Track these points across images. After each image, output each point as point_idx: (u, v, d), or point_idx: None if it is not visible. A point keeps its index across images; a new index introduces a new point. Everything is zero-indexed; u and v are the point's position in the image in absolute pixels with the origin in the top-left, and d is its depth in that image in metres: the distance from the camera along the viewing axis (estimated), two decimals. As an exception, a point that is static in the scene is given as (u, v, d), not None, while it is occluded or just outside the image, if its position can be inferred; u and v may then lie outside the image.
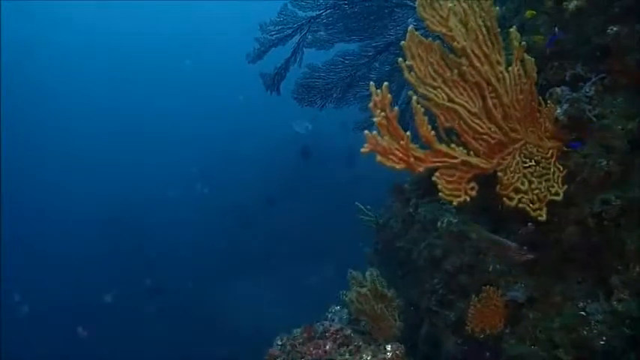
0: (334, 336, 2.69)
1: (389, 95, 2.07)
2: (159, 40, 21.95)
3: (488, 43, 2.26)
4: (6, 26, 18.74)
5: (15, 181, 17.18)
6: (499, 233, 2.65)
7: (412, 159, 2.08)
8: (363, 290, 2.82)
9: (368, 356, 2.67)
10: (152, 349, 11.61)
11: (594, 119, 2.31)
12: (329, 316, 3.32)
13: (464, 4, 2.24)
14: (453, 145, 2.19)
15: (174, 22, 22.22)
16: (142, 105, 20.78)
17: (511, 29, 2.28)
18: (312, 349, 2.62)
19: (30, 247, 15.78)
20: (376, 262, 4.33)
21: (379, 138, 2.03)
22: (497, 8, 2.29)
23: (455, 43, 2.20)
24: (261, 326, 9.77)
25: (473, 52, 2.22)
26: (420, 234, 3.44)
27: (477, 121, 2.24)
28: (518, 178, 2.25)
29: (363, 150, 2.03)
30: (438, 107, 2.23)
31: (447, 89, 2.23)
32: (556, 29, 2.57)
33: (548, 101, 2.40)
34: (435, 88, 2.23)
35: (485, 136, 2.24)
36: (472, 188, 2.16)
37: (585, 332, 2.23)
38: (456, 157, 2.16)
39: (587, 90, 2.38)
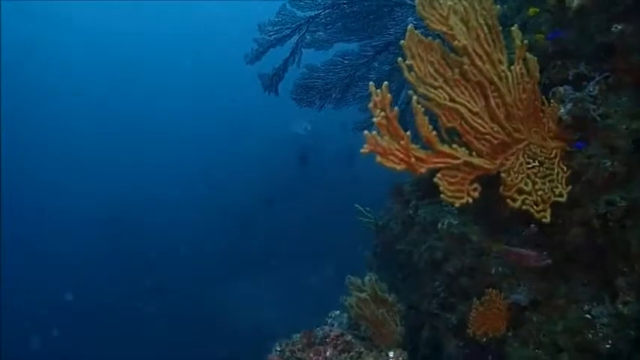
0: (335, 342, 2.61)
1: (389, 95, 2.00)
2: (159, 40, 21.88)
3: (490, 42, 2.20)
4: (6, 26, 18.64)
5: (15, 181, 17.11)
6: (501, 235, 2.59)
7: (413, 159, 2.01)
8: (363, 295, 2.75)
9: (370, 363, 2.60)
10: (152, 349, 11.55)
11: (598, 119, 2.25)
12: (329, 321, 3.25)
13: (464, 3, 2.17)
14: (454, 146, 2.12)
15: (175, 22, 22.14)
16: (142, 105, 20.70)
17: (513, 27, 2.21)
18: (312, 355, 2.55)
19: (30, 247, 15.71)
20: (376, 265, 4.27)
21: (379, 138, 1.96)
22: (499, 6, 2.22)
23: (456, 42, 2.13)
24: (261, 326, 9.76)
25: (474, 50, 2.16)
26: (421, 236, 3.37)
27: (480, 120, 2.17)
28: (522, 178, 2.18)
29: (362, 150, 1.96)
30: (439, 107, 2.17)
31: (448, 89, 2.17)
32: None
33: (552, 101, 2.33)
34: (435, 87, 2.16)
35: (487, 137, 2.17)
36: (475, 189, 2.10)
37: (590, 335, 2.18)
38: (458, 158, 2.10)
39: (591, 89, 2.32)
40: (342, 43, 4.49)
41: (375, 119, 1.98)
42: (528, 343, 2.37)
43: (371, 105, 2.00)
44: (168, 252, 14.67)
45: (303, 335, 2.68)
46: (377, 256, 4.37)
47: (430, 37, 2.22)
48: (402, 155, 2.01)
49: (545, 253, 2.32)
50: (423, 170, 2.05)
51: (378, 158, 1.98)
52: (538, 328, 2.36)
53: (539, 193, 2.20)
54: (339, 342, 2.61)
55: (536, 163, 2.22)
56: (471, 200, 2.08)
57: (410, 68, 2.13)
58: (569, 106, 2.31)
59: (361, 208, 4.37)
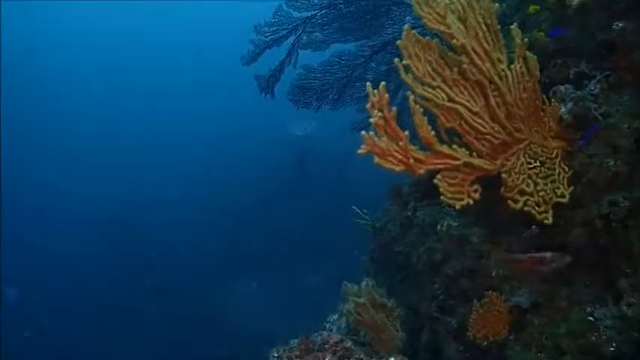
0: (333, 348, 2.53)
1: (386, 95, 1.93)
2: (159, 40, 21.74)
3: (489, 40, 2.13)
4: (6, 26, 18.53)
5: (15, 181, 17.02)
6: (501, 237, 2.52)
7: (412, 160, 1.94)
8: (361, 300, 2.67)
9: (371, 370, 2.53)
10: (152, 349, 11.48)
11: (600, 118, 2.18)
12: (327, 325, 3.17)
13: (462, 1, 2.10)
14: (454, 146, 2.05)
15: (175, 23, 22.01)
16: (142, 105, 20.59)
17: (512, 26, 2.14)
18: (310, 362, 2.47)
19: (30, 247, 15.62)
20: (373, 268, 4.20)
21: (376, 139, 1.89)
22: (497, 5, 2.15)
23: (454, 41, 2.06)
24: (261, 326, 9.68)
25: (473, 49, 2.09)
26: (419, 238, 3.29)
27: (480, 120, 2.10)
28: (524, 179, 2.11)
29: (360, 151, 1.88)
30: (438, 107, 2.09)
31: (446, 88, 2.10)
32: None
33: (552, 100, 2.26)
34: (434, 87, 2.09)
35: (488, 137, 2.10)
36: (475, 191, 2.02)
37: (594, 338, 2.12)
38: (458, 159, 2.03)
39: (592, 88, 2.25)
40: (339, 43, 4.42)
41: (372, 119, 1.90)
42: (530, 346, 2.30)
43: (368, 105, 1.93)
44: (168, 252, 14.58)
45: (301, 341, 2.60)
46: (374, 258, 4.29)
47: (428, 37, 2.15)
48: (400, 156, 1.93)
49: (554, 253, 2.23)
50: (421, 171, 1.98)
51: (376, 159, 1.90)
52: (540, 331, 2.29)
53: (541, 193, 2.13)
54: (338, 348, 2.53)
55: (538, 164, 2.15)
56: (471, 202, 2.00)
57: (407, 69, 2.05)
58: (570, 105, 2.25)
59: (358, 210, 4.30)
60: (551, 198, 2.14)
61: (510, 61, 2.16)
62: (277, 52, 4.53)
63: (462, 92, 2.11)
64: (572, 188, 2.18)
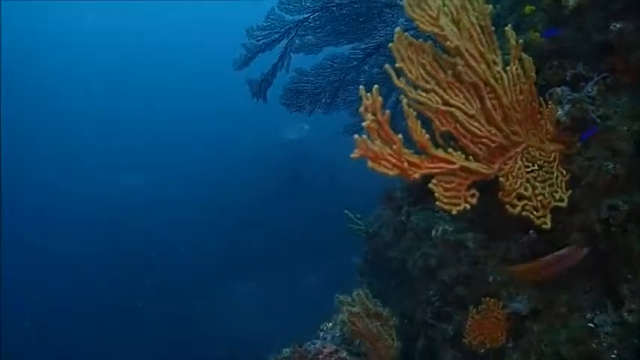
0: (328, 358, 2.42)
1: (379, 98, 1.83)
2: (159, 40, 21.58)
3: (484, 42, 2.03)
4: (6, 26, 18.39)
5: (15, 181, 16.87)
6: (498, 242, 2.42)
7: (406, 165, 1.83)
8: (355, 309, 2.56)
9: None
10: (152, 349, 11.38)
11: (598, 120, 2.08)
12: (321, 334, 3.04)
13: (456, 2, 2.00)
14: (450, 150, 1.94)
15: (175, 23, 21.84)
16: (142, 105, 20.41)
17: (507, 27, 2.05)
18: (304, 372, 2.36)
19: (30, 247, 15.49)
20: (367, 274, 4.09)
21: (369, 143, 1.78)
22: (491, 6, 2.05)
23: (448, 43, 1.96)
24: (261, 326, 9.62)
25: (467, 51, 1.99)
26: (414, 243, 3.19)
27: (476, 123, 2.00)
28: (521, 183, 2.01)
29: (353, 155, 1.78)
30: (432, 111, 1.99)
31: (441, 91, 1.99)
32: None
33: (549, 102, 2.16)
34: (428, 91, 1.98)
35: (484, 140, 2.00)
36: (472, 195, 1.92)
37: (594, 345, 2.02)
38: (453, 163, 1.92)
39: (590, 90, 2.16)
40: (332, 46, 4.33)
41: (364, 123, 1.80)
42: (529, 353, 2.20)
43: (362, 109, 1.82)
44: (168, 252, 14.45)
45: (294, 350, 2.48)
46: (368, 264, 4.18)
47: (421, 39, 2.05)
48: (394, 160, 1.83)
49: (568, 248, 2.09)
50: (416, 176, 1.87)
51: (370, 163, 1.80)
52: (539, 338, 2.19)
53: (539, 198, 2.03)
54: (332, 359, 2.41)
55: (536, 167, 2.05)
56: (468, 207, 1.90)
57: (399, 73, 1.95)
58: (567, 107, 2.15)
59: (351, 215, 4.18)
60: (549, 202, 2.04)
61: (505, 63, 2.07)
62: (270, 55, 4.42)
63: (456, 95, 2.01)
64: (570, 192, 2.08)
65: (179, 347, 11.52)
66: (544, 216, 2.02)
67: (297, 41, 4.30)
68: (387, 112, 1.85)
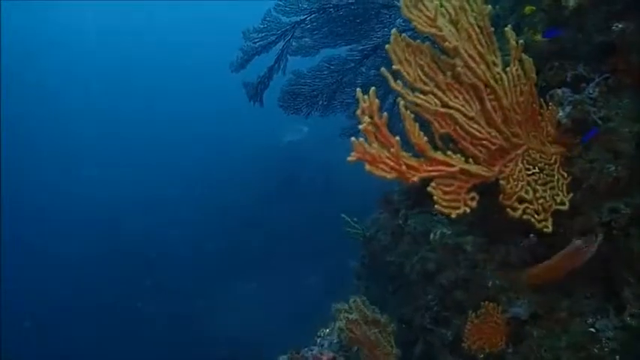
0: (326, 365, 2.37)
1: (376, 101, 1.79)
2: (160, 40, 21.48)
3: (483, 43, 1.98)
4: (6, 26, 18.31)
5: (15, 181, 16.78)
6: (497, 245, 2.37)
7: (404, 168, 1.79)
8: (353, 316, 2.50)
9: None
10: (151, 348, 11.30)
11: (599, 122, 2.04)
12: (318, 340, 2.98)
13: (454, 2, 1.95)
14: (449, 153, 1.89)
15: (176, 23, 21.73)
16: (143, 105, 20.30)
17: (506, 28, 2.00)
18: (301, 380, 2.30)
19: (30, 247, 15.41)
20: (364, 278, 4.03)
21: (367, 145, 1.73)
22: (490, 7, 2.00)
23: (446, 44, 1.91)
24: (260, 326, 9.58)
25: (466, 52, 1.94)
26: (412, 247, 3.12)
27: (476, 126, 1.95)
28: (522, 186, 1.96)
29: (349, 159, 1.73)
30: (431, 113, 1.94)
31: (440, 93, 1.95)
32: None
33: (550, 104, 2.11)
34: (426, 93, 1.94)
35: (484, 142, 1.95)
36: (472, 199, 1.87)
37: (596, 350, 1.98)
38: (453, 166, 1.87)
39: (591, 91, 2.10)
40: (329, 48, 4.27)
41: (361, 126, 1.75)
42: (529, 359, 2.15)
43: (359, 112, 1.78)
44: (169, 252, 14.36)
45: (291, 357, 2.43)
46: (365, 268, 4.12)
47: (419, 40, 2.00)
48: (392, 163, 1.78)
49: (584, 238, 2.02)
50: (415, 179, 1.82)
51: (367, 166, 1.75)
52: (539, 343, 2.14)
53: (540, 201, 1.98)
54: (330, 366, 2.37)
55: (536, 170, 2.00)
56: (468, 210, 1.85)
57: (396, 76, 1.90)
58: (568, 109, 2.10)
59: (348, 219, 4.13)
60: (550, 205, 1.99)
61: (505, 65, 2.02)
62: (267, 58, 4.37)
63: (456, 97, 1.97)
64: (571, 195, 2.03)
65: (179, 347, 11.44)
66: (545, 219, 1.98)
67: (293, 43, 4.25)
68: (385, 114, 1.80)
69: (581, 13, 2.19)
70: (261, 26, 4.22)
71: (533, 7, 2.31)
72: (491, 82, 1.96)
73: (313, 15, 4.13)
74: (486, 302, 2.32)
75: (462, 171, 1.88)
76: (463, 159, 1.90)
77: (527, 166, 2.00)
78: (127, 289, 13.08)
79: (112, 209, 15.95)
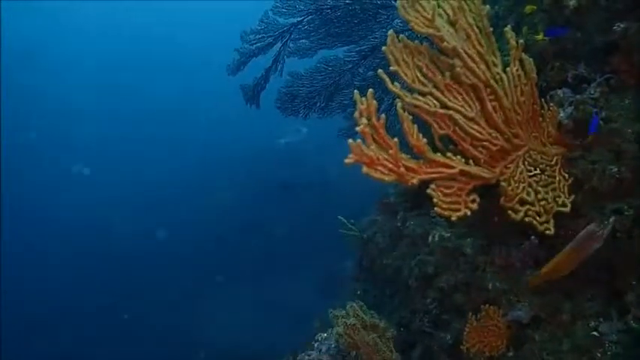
0: (324, 371, 2.32)
1: (374, 102, 1.74)
2: (161, 40, 21.39)
3: (482, 42, 1.94)
4: (6, 26, 18.25)
5: (15, 181, 16.72)
6: (497, 248, 2.32)
7: (403, 170, 1.74)
8: (351, 321, 2.45)
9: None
10: (149, 350, 11.24)
11: (602, 122, 1.99)
12: (315, 345, 2.93)
13: (452, 2, 1.91)
14: (449, 154, 1.85)
15: (179, 23, 21.61)
16: (143, 105, 20.22)
17: (506, 28, 1.96)
18: (299, 387, 2.25)
19: (30, 247, 15.36)
20: (361, 282, 3.97)
21: (364, 147, 1.68)
22: (488, 7, 1.96)
23: (445, 44, 1.87)
24: (257, 330, 9.53)
25: (465, 52, 1.89)
26: (410, 249, 3.07)
27: (476, 126, 1.90)
28: (524, 188, 1.91)
29: (347, 161, 1.68)
30: (430, 114, 1.89)
31: (439, 94, 1.90)
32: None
33: (551, 104, 2.07)
34: (425, 94, 1.89)
35: (485, 143, 1.90)
36: (473, 201, 1.82)
37: (599, 354, 1.93)
38: (453, 167, 1.82)
39: (592, 92, 2.07)
40: (327, 49, 4.23)
41: (358, 128, 1.70)
42: (531, 363, 2.10)
43: (356, 114, 1.73)
44: (164, 253, 14.32)
45: (288, 362, 2.39)
46: (362, 270, 4.06)
47: (417, 41, 1.96)
48: (390, 165, 1.73)
49: (595, 222, 1.93)
50: (414, 181, 1.78)
51: (365, 169, 1.69)
52: (541, 347, 2.09)
53: (542, 203, 1.93)
54: (328, 371, 2.31)
55: (538, 171, 1.96)
56: (469, 213, 1.80)
57: (393, 77, 1.86)
58: (569, 109, 2.07)
59: (345, 221, 4.07)
60: (552, 207, 1.94)
61: (505, 65, 1.98)
62: (264, 60, 4.33)
63: (455, 97, 1.92)
64: (573, 197, 1.98)
65: (176, 350, 11.36)
66: (547, 222, 1.93)
67: (291, 45, 4.21)
68: (382, 116, 1.76)
69: (582, 12, 2.16)
70: (259, 28, 4.18)
71: (534, 7, 2.27)
72: (492, 82, 1.92)
73: (310, 16, 4.08)
74: (487, 305, 2.27)
75: (463, 172, 1.84)
76: (463, 160, 1.86)
77: (529, 168, 1.95)
78: (127, 290, 13.04)
79: (109, 210, 15.91)
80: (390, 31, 1.89)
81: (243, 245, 13.11)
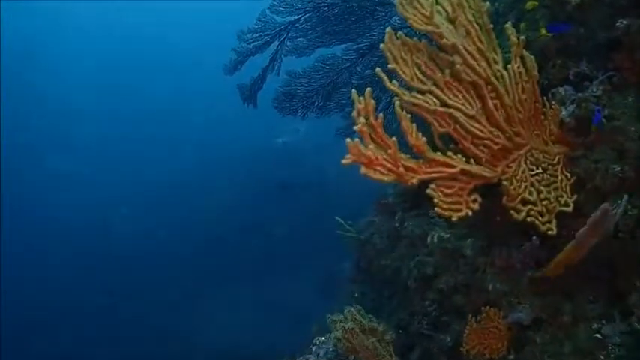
0: (322, 376, 2.27)
1: (372, 101, 1.70)
2: (161, 40, 21.32)
3: (482, 39, 1.89)
4: (6, 26, 18.20)
5: (15, 182, 16.68)
6: (498, 248, 2.27)
7: (402, 170, 1.69)
8: (349, 325, 2.40)
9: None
10: (147, 350, 11.20)
11: (604, 121, 1.94)
12: (313, 348, 2.88)
13: (451, -1, 1.87)
14: (449, 154, 1.80)
15: (178, 23, 21.57)
16: (143, 105, 20.17)
17: (506, 25, 1.91)
18: (297, 392, 2.20)
19: (30, 247, 15.32)
20: (359, 281, 3.92)
21: (362, 147, 1.63)
22: (488, 3, 1.92)
23: (444, 41, 1.83)
24: (256, 332, 9.48)
25: (465, 49, 1.85)
26: (409, 250, 3.02)
27: (477, 125, 1.86)
28: (526, 187, 1.86)
29: (344, 161, 1.63)
30: (430, 112, 1.84)
31: (438, 92, 1.85)
32: None
33: (552, 102, 2.02)
34: (424, 92, 1.84)
35: (486, 142, 1.85)
36: (474, 201, 1.77)
37: (602, 357, 1.89)
38: (454, 167, 1.77)
39: (595, 89, 2.02)
40: (325, 48, 4.18)
41: (356, 127, 1.65)
42: (532, 366, 2.05)
43: (354, 114, 1.68)
44: (163, 254, 14.29)
45: (285, 367, 2.34)
46: (360, 272, 4.01)
47: (416, 38, 1.91)
48: (389, 165, 1.68)
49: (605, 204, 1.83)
50: (414, 182, 1.73)
51: (363, 169, 1.65)
52: (542, 349, 2.04)
53: (544, 202, 1.88)
54: (327, 376, 2.27)
55: (540, 170, 1.91)
56: (470, 213, 1.75)
57: (392, 75, 1.81)
58: (571, 107, 2.02)
59: (342, 222, 4.02)
60: (554, 207, 1.89)
61: (506, 62, 1.93)
62: (261, 59, 4.27)
63: (455, 95, 1.88)
64: (575, 196, 1.93)
65: (174, 351, 11.33)
66: (549, 222, 1.89)
67: (288, 43, 4.16)
68: (381, 115, 1.72)
69: (584, 8, 2.11)
70: (256, 26, 4.13)
71: (536, 3, 2.22)
72: (492, 79, 1.87)
73: (307, 14, 4.03)
74: (487, 307, 2.23)
75: (464, 172, 1.79)
76: (464, 159, 1.81)
77: (531, 167, 1.91)
78: (126, 290, 12.99)
79: (107, 211, 15.87)
80: (388, 29, 1.85)
81: (243, 245, 13.05)
